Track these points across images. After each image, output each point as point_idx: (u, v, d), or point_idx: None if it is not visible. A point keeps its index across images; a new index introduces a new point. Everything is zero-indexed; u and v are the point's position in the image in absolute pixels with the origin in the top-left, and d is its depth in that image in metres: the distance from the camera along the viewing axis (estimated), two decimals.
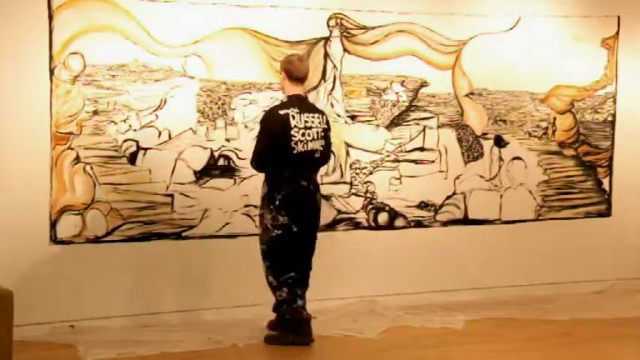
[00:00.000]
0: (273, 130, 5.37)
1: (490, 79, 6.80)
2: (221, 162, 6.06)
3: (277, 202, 5.41)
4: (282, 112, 5.42)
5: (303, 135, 5.41)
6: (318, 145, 5.49)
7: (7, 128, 5.50)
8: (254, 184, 6.12)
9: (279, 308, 5.50)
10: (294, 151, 5.39)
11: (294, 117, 5.41)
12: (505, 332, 5.92)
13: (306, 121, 5.44)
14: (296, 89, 5.49)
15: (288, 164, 5.41)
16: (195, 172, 5.99)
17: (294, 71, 5.46)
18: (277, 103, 5.75)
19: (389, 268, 6.57)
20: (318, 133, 5.49)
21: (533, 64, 6.93)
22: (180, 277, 5.85)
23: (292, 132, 5.38)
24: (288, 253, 5.47)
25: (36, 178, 5.57)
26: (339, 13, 6.33)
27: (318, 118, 5.53)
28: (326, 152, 5.60)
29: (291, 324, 5.48)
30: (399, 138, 6.56)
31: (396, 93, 6.52)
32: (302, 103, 5.50)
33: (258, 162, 5.46)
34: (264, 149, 5.40)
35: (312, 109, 5.57)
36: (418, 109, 6.60)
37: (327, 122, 5.60)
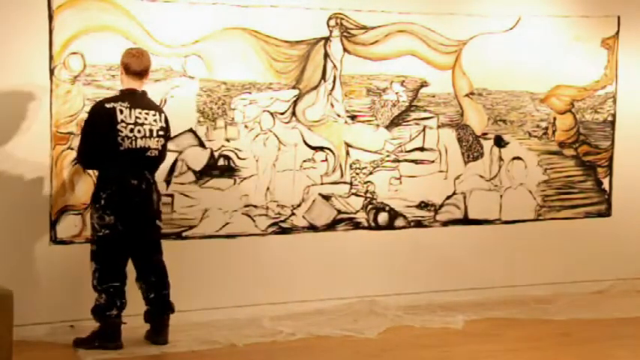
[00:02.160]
0: (98, 124, 5.18)
1: (490, 79, 6.80)
2: (221, 162, 6.06)
3: (102, 202, 5.22)
4: (108, 105, 5.22)
5: (131, 131, 5.21)
6: (152, 143, 5.29)
7: (7, 128, 5.50)
8: (254, 184, 6.13)
9: (95, 312, 5.31)
10: (121, 147, 5.19)
11: (121, 111, 5.20)
12: (505, 332, 5.92)
13: (137, 117, 5.23)
14: (132, 83, 5.30)
15: (115, 161, 5.22)
16: (195, 172, 5.99)
17: (132, 65, 5.28)
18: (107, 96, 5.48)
19: (389, 268, 6.57)
20: (152, 130, 5.30)
21: (533, 64, 6.92)
22: (180, 277, 5.84)
23: (118, 127, 5.17)
24: (116, 257, 5.29)
25: (36, 178, 5.57)
26: (339, 13, 6.33)
27: (154, 115, 5.32)
28: (163, 152, 5.42)
29: (101, 329, 5.32)
30: (399, 138, 6.56)
31: (396, 93, 6.52)
32: (135, 98, 5.27)
33: (83, 158, 5.31)
34: (89, 144, 5.21)
35: (148, 105, 5.33)
36: (418, 109, 6.60)
37: (167, 121, 5.42)
